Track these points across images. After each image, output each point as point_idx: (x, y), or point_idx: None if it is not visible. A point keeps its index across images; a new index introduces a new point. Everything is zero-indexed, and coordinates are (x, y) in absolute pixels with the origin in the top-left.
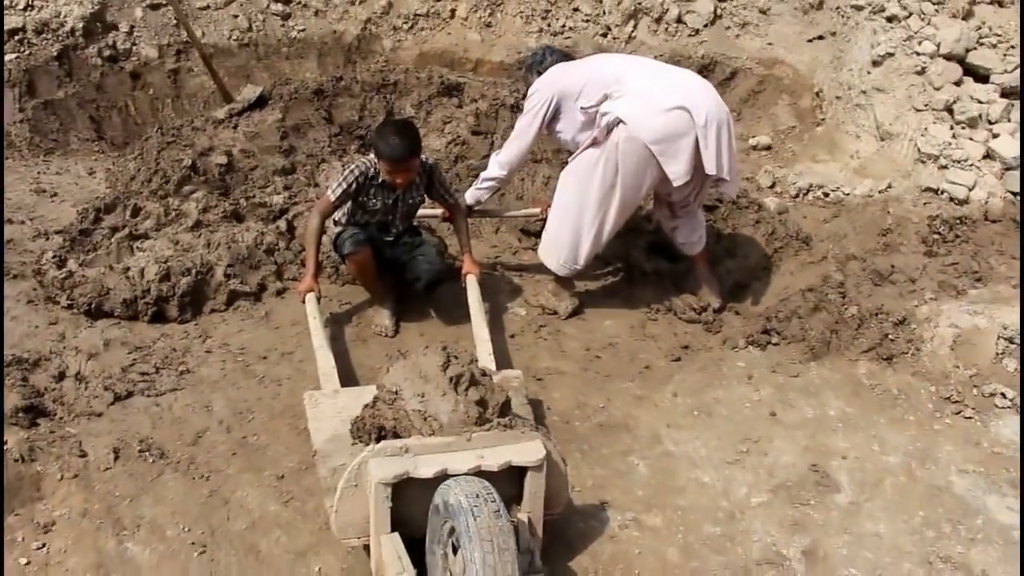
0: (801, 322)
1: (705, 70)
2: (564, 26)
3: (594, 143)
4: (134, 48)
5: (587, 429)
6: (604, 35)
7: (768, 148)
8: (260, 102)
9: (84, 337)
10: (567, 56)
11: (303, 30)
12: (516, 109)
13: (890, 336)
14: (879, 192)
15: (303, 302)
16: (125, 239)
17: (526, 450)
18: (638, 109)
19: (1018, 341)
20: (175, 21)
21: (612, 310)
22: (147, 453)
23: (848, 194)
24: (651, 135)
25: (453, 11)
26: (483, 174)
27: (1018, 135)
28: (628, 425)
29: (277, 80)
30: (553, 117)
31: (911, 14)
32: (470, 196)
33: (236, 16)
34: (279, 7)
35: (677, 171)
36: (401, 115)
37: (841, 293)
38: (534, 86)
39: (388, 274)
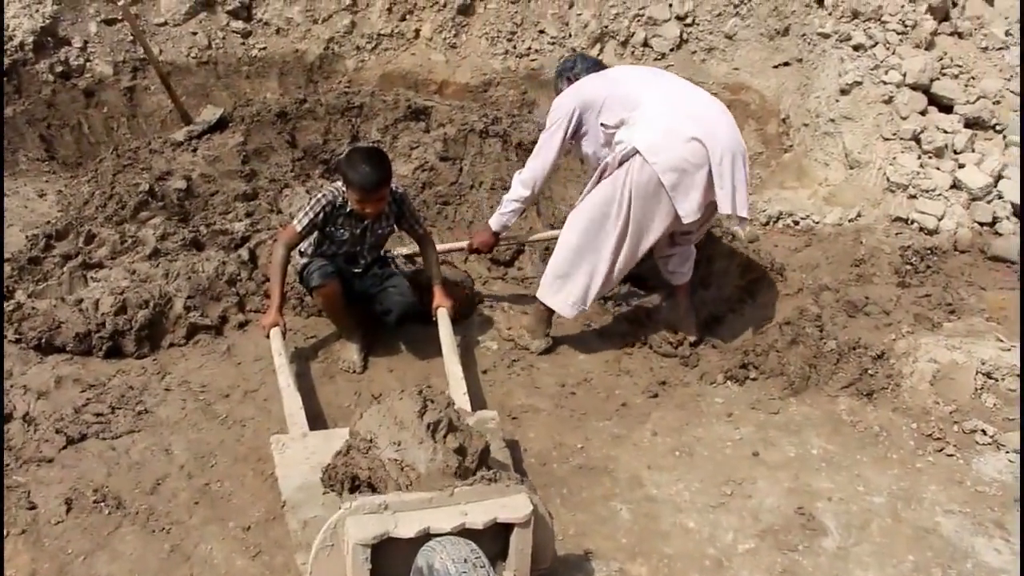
0: (779, 356)
1: None
2: (530, 48)
3: (606, 175)
4: (88, 64)
5: (566, 471)
6: None
7: None
8: (220, 124)
9: (33, 374)
10: (598, 64)
11: (264, 49)
12: (485, 135)
13: (869, 371)
14: (848, 221)
15: (267, 337)
16: (78, 268)
17: (512, 505)
18: (653, 139)
19: (996, 376)
20: (131, 37)
21: (585, 343)
22: (102, 504)
23: (818, 222)
24: (664, 167)
25: (418, 31)
26: (506, 196)
27: (984, 165)
28: (608, 467)
29: (238, 101)
30: (577, 130)
31: (877, 43)
32: (495, 223)
33: (195, 33)
34: (239, 25)
35: (688, 208)
36: (367, 139)
37: (818, 327)
38: (557, 99)
39: (356, 307)
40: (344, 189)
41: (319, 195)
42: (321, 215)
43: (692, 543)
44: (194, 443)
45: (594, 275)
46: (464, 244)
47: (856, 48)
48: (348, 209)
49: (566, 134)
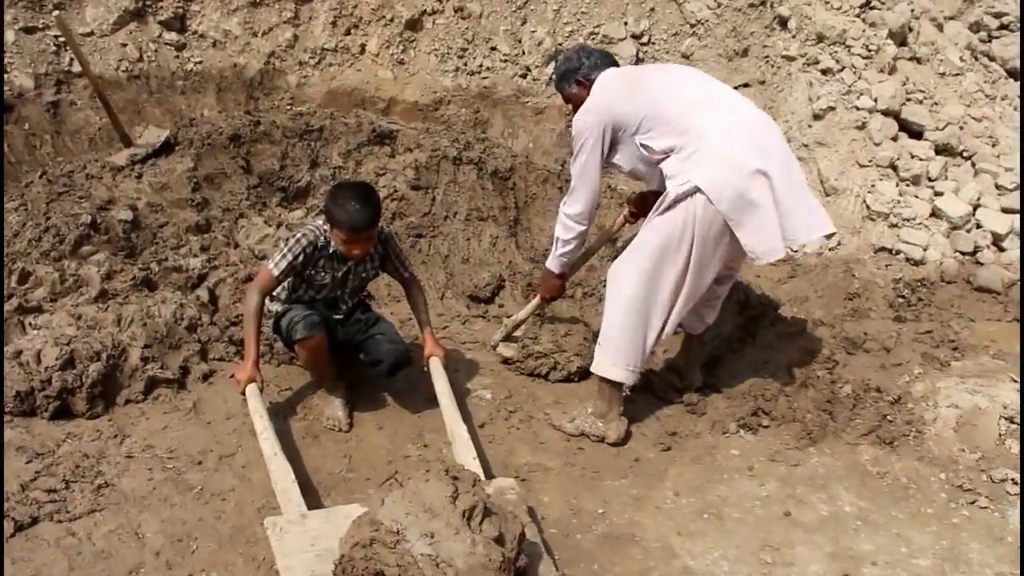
0: (789, 401)
1: None
2: (481, 66)
3: (658, 213)
4: (6, 77)
5: (591, 543)
6: (524, 76)
7: None
8: (166, 147)
9: None
10: (607, 57)
11: (200, 62)
12: (459, 161)
13: (888, 417)
14: (829, 250)
15: (243, 394)
16: (13, 313)
17: None
18: (715, 176)
19: (1018, 421)
20: (54, 48)
21: (583, 389)
22: None
23: (797, 251)
24: (730, 207)
25: (363, 46)
26: (559, 236)
27: (961, 194)
28: (635, 535)
29: (179, 121)
30: (610, 146)
31: (844, 67)
32: (556, 265)
33: (125, 45)
34: (173, 36)
35: (765, 247)
36: (327, 165)
37: (828, 369)
38: (581, 120)
39: (336, 357)
40: (326, 228)
41: (298, 235)
42: (301, 257)
43: None
44: (168, 523)
45: (649, 329)
46: (535, 303)
47: (824, 72)
48: (331, 250)
49: (602, 155)
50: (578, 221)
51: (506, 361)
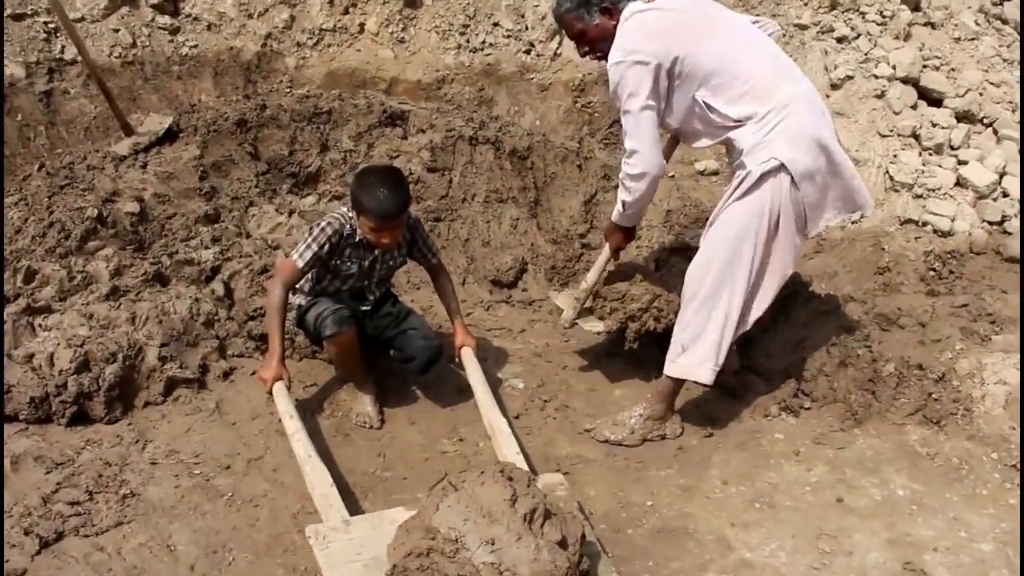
0: (829, 381)
1: None
2: (484, 42)
3: (738, 193)
4: None
5: (643, 537)
6: (528, 52)
7: (716, 173)
8: (169, 135)
9: None
10: None
11: (195, 47)
12: (475, 141)
13: (934, 395)
14: (852, 223)
15: (269, 393)
16: (21, 314)
17: None
18: (797, 154)
19: None
20: (44, 35)
21: (616, 373)
22: None
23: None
24: (809, 188)
25: (362, 25)
26: (624, 199)
27: (987, 162)
28: (688, 528)
29: (178, 106)
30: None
31: (859, 35)
32: (624, 220)
33: (117, 30)
34: (166, 20)
35: (819, 226)
36: (338, 148)
37: (867, 346)
38: (628, 60)
39: (365, 351)
40: (351, 216)
41: (323, 223)
42: (327, 247)
43: None
44: (201, 534)
45: (733, 324)
46: (603, 260)
47: (840, 40)
48: (357, 238)
49: (660, 102)
50: (646, 182)
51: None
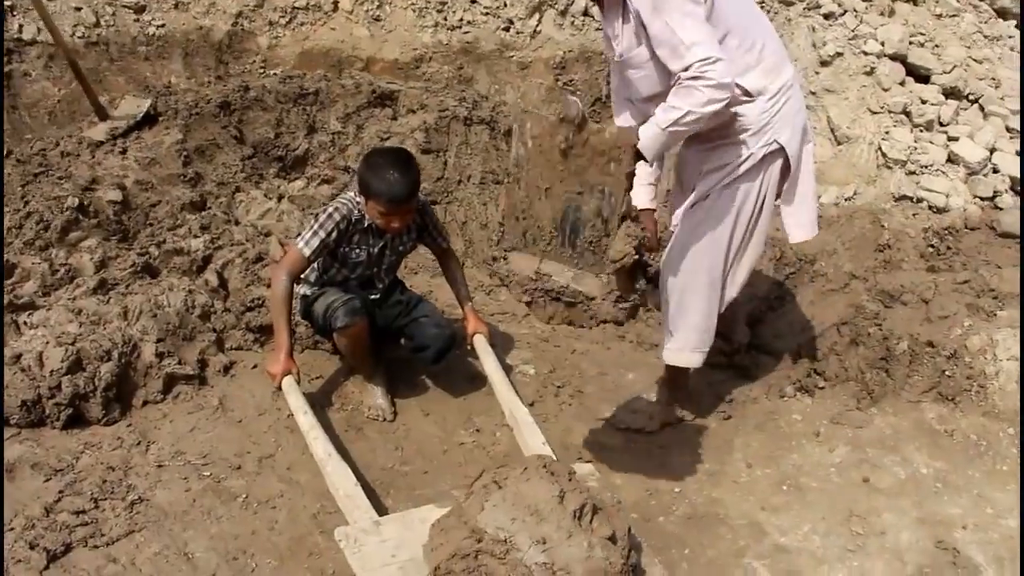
0: (840, 360)
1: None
2: (462, 20)
3: (738, 178)
4: None
5: (675, 525)
6: (507, 29)
7: None
8: (147, 119)
9: None
10: None
11: (162, 26)
12: (470, 122)
13: (947, 372)
14: (846, 200)
15: (278, 389)
16: (3, 311)
17: None
18: (793, 135)
19: None
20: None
21: (624, 356)
22: None
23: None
24: (795, 172)
25: (336, 3)
26: (688, 108)
27: (978, 138)
28: (718, 513)
29: (151, 90)
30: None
31: (846, 11)
32: (658, 141)
33: (79, 9)
34: None
35: (805, 230)
36: (325, 130)
37: (877, 324)
38: None
39: (374, 342)
40: (359, 200)
41: (330, 209)
42: (334, 234)
43: None
44: (218, 540)
45: (711, 304)
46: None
47: (827, 17)
48: (366, 224)
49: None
50: (726, 94)
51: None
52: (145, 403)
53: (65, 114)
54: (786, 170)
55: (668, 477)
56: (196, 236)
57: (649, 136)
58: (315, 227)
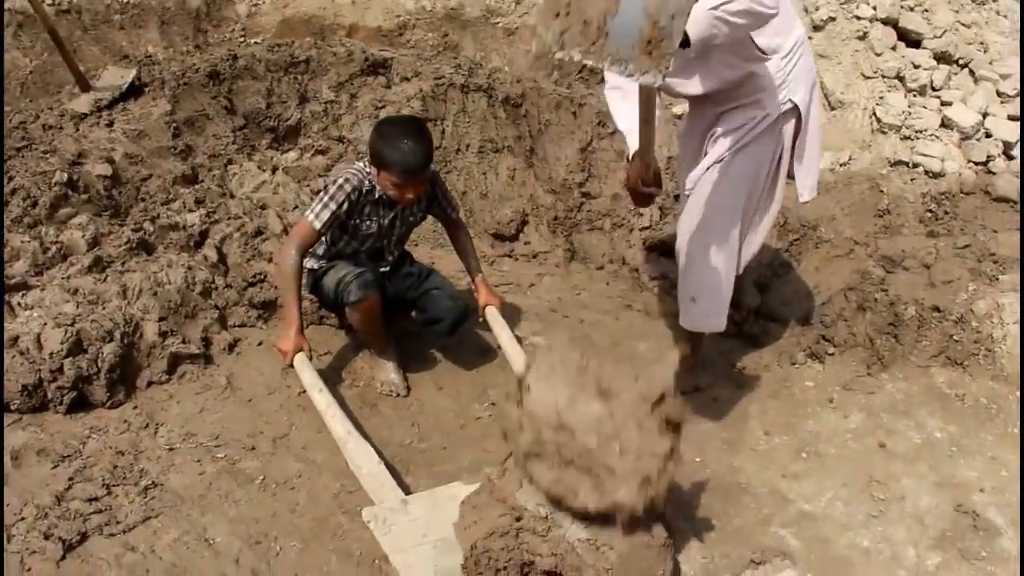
0: (848, 326)
1: None
2: None
3: (755, 140)
4: None
5: (699, 494)
6: None
7: None
8: (132, 90)
9: None
10: None
11: None
12: (467, 89)
13: (955, 337)
14: (840, 165)
15: (290, 366)
16: None
17: None
18: (807, 93)
19: None
20: None
21: (634, 326)
22: None
23: None
24: (805, 134)
25: None
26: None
27: (970, 102)
28: (740, 482)
29: (132, 59)
30: None
31: None
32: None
33: None
34: None
35: (811, 183)
36: (318, 99)
37: (883, 290)
38: None
39: (386, 315)
40: (369, 171)
41: (340, 181)
42: (345, 205)
43: (878, 568)
44: (238, 523)
45: (730, 266)
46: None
47: None
48: (377, 195)
49: None
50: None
51: None
52: (150, 384)
53: (38, 86)
54: (799, 129)
55: (687, 446)
56: (191, 210)
57: (695, 16)
58: (325, 199)
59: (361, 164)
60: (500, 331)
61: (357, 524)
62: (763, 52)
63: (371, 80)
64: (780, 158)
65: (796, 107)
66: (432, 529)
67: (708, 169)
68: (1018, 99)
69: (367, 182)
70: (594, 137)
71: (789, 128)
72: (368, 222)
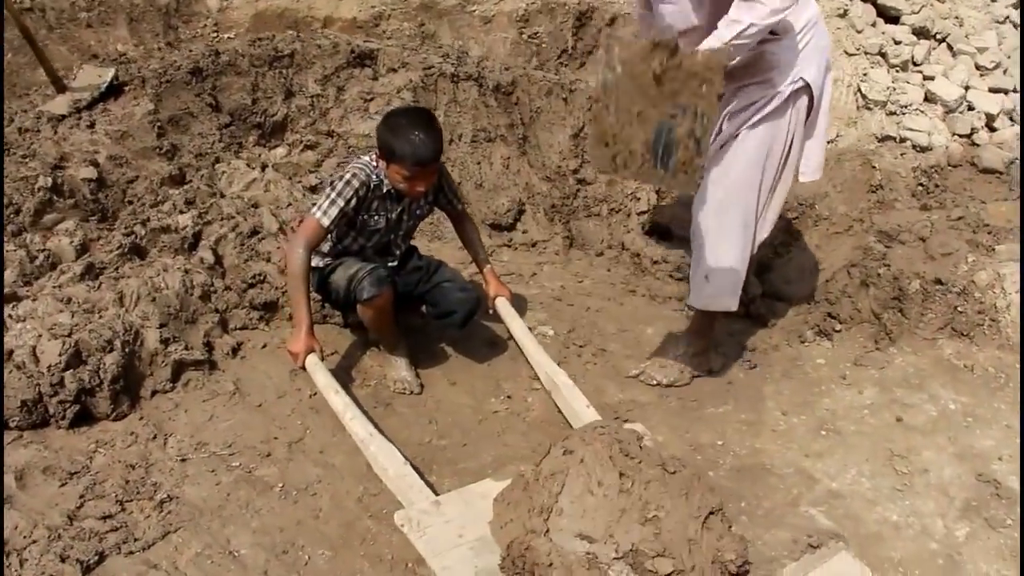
0: (852, 302)
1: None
2: None
3: (766, 117)
4: None
5: (726, 478)
6: None
7: None
8: (111, 89)
9: None
10: None
11: None
12: (457, 78)
13: (959, 308)
14: (828, 143)
15: (302, 368)
16: None
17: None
18: (819, 72)
19: None
20: None
21: (640, 311)
22: None
23: None
24: (815, 114)
25: None
26: (747, 21)
27: (952, 76)
28: (764, 464)
29: (117, 59)
30: None
31: None
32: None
33: None
34: None
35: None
36: (304, 94)
37: (885, 265)
38: None
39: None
40: (376, 164)
41: (347, 176)
42: (354, 201)
43: (909, 541)
44: (262, 534)
45: (745, 246)
46: None
47: None
48: (385, 189)
49: None
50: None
51: None
52: (154, 393)
53: (5, 88)
54: (811, 107)
55: (707, 430)
56: (182, 212)
57: (715, 50)
58: (332, 195)
59: (368, 158)
60: (512, 323)
61: (385, 527)
62: (775, 32)
63: (357, 72)
64: (794, 136)
65: (808, 85)
66: (468, 529)
67: (723, 147)
68: (998, 71)
69: (375, 176)
70: (586, 123)
71: (802, 105)
72: (376, 217)
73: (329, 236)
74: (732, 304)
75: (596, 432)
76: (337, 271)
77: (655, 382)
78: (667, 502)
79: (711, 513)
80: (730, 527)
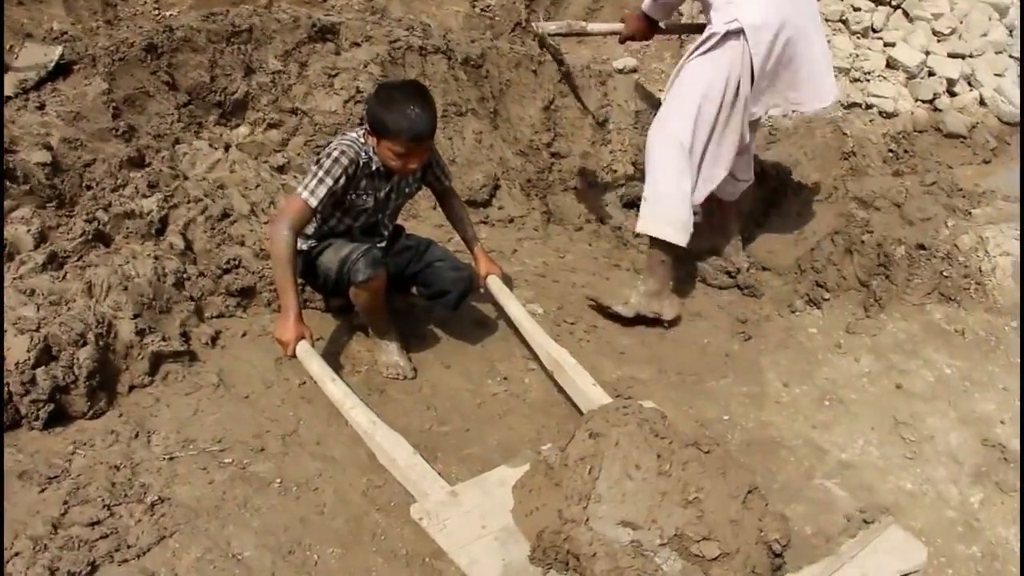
0: (838, 270)
1: None
2: None
3: (702, 50)
4: None
5: (737, 453)
6: None
7: (635, 71)
8: (59, 68)
9: None
10: None
11: None
12: (425, 51)
13: (944, 273)
14: (793, 112)
15: (292, 356)
16: None
17: (905, 551)
18: (765, 18)
19: None
20: None
21: (625, 286)
22: None
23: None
24: (763, 56)
25: None
26: None
27: (912, 42)
28: (773, 436)
29: (56, 36)
30: None
31: None
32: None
33: None
34: None
35: (809, 95)
36: (264, 70)
37: (869, 232)
38: None
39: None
40: (364, 140)
41: (334, 153)
42: (342, 180)
43: (927, 508)
44: (265, 534)
45: (694, 181)
46: (608, 28)
47: None
48: (374, 167)
49: None
50: None
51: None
52: (132, 388)
53: None
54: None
55: (711, 405)
56: (145, 196)
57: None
58: (319, 174)
59: (355, 134)
60: (507, 301)
61: (395, 521)
62: None
63: (320, 47)
64: (740, 80)
65: (743, 29)
66: (490, 519)
67: (674, 79)
68: (954, 37)
69: (364, 153)
70: (556, 95)
71: (743, 48)
72: (364, 196)
73: (315, 217)
74: (671, 234)
75: (621, 412)
76: (326, 253)
77: (606, 304)
78: (706, 483)
79: (749, 492)
80: (766, 504)
